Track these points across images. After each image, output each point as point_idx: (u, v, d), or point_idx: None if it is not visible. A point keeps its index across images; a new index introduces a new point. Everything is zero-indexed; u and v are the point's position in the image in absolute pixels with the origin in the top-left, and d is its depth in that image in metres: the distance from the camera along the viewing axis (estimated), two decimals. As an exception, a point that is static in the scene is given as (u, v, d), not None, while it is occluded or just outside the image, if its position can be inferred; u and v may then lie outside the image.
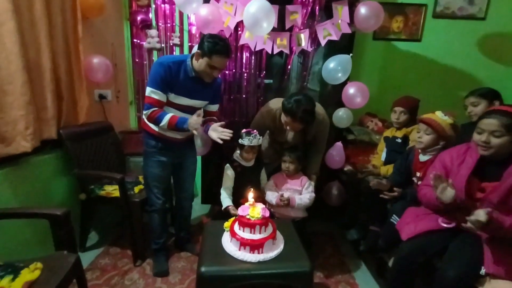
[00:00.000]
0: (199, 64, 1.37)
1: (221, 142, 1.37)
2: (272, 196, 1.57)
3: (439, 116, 1.39)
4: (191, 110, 1.50)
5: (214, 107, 1.62)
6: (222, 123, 1.44)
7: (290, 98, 1.45)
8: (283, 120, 1.51)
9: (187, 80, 1.41)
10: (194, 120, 1.37)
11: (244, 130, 1.51)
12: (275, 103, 1.60)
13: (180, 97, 1.43)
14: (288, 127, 1.52)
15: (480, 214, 0.94)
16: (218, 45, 1.32)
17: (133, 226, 1.64)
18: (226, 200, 1.52)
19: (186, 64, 1.40)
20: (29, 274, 0.96)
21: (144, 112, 1.41)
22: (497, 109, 1.14)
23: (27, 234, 1.46)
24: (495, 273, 0.99)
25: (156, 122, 1.40)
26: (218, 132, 1.38)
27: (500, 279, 0.99)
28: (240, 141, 1.51)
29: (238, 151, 1.58)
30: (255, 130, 1.51)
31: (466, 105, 1.61)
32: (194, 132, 1.38)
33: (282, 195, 1.54)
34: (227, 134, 1.36)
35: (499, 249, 1.02)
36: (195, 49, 1.43)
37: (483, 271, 1.00)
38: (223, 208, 1.51)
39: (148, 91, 1.38)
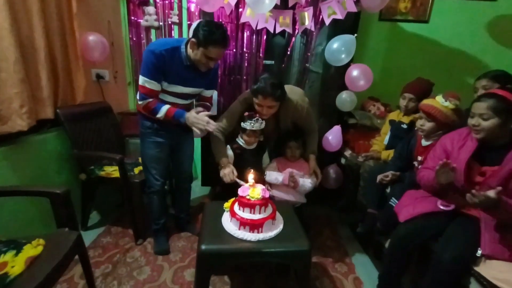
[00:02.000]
0: (195, 54, 1.30)
1: (198, 132, 1.35)
2: (275, 175, 1.54)
3: (440, 102, 1.33)
4: (186, 97, 1.47)
5: (209, 93, 1.58)
6: (207, 112, 1.41)
7: (256, 79, 1.42)
8: (256, 105, 1.45)
9: (182, 68, 1.35)
10: (194, 117, 1.35)
11: (246, 113, 1.49)
12: None
13: (175, 86, 1.38)
14: (263, 112, 1.44)
15: (491, 192, 0.95)
16: (214, 34, 1.24)
17: (133, 206, 1.66)
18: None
19: (180, 52, 1.33)
20: (32, 249, 0.97)
21: (139, 102, 1.38)
22: (487, 92, 1.15)
23: (29, 213, 1.48)
24: (491, 254, 1.00)
25: (152, 113, 1.38)
26: (193, 119, 1.34)
27: (495, 260, 1.00)
28: (242, 124, 1.49)
29: (240, 134, 1.57)
30: (257, 114, 1.48)
31: (477, 87, 1.52)
32: (195, 130, 1.36)
33: (292, 173, 1.51)
34: (201, 123, 1.33)
35: (496, 231, 1.04)
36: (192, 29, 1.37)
37: (479, 252, 1.02)
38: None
39: (142, 80, 1.33)
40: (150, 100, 1.36)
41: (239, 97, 1.59)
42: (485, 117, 1.06)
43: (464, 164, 1.13)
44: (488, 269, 0.99)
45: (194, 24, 1.58)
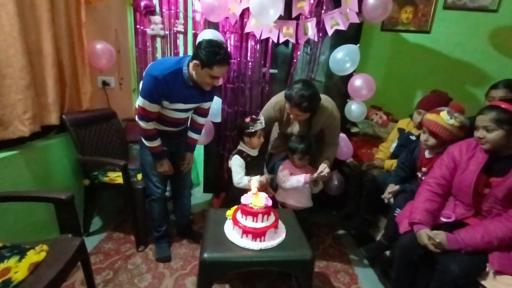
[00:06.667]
0: (198, 75, 1.31)
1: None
2: (295, 179, 1.52)
3: (445, 120, 1.28)
4: (186, 111, 1.51)
5: (208, 105, 1.60)
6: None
7: (292, 85, 1.44)
8: (287, 109, 1.49)
9: (184, 88, 1.36)
10: (168, 169, 1.51)
11: (248, 119, 1.51)
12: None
13: (176, 104, 1.41)
14: (292, 116, 1.50)
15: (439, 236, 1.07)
16: (218, 54, 1.24)
17: (136, 212, 1.66)
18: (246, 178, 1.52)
19: (183, 74, 1.33)
20: (35, 255, 0.98)
21: (140, 122, 1.38)
22: (489, 105, 1.15)
23: (33, 218, 1.48)
24: (500, 270, 0.99)
25: (145, 138, 1.44)
26: (166, 169, 1.51)
27: (505, 275, 0.99)
28: (251, 128, 1.50)
29: (245, 141, 1.56)
30: (255, 116, 1.52)
31: (494, 96, 1.44)
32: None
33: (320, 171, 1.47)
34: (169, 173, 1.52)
35: (505, 247, 1.03)
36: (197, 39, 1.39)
37: (488, 268, 1.01)
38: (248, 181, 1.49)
39: (141, 102, 1.33)
40: (151, 127, 1.41)
41: (271, 100, 1.63)
42: (489, 129, 1.07)
43: (475, 176, 1.12)
44: (497, 283, 0.98)
45: (200, 37, 1.61)
